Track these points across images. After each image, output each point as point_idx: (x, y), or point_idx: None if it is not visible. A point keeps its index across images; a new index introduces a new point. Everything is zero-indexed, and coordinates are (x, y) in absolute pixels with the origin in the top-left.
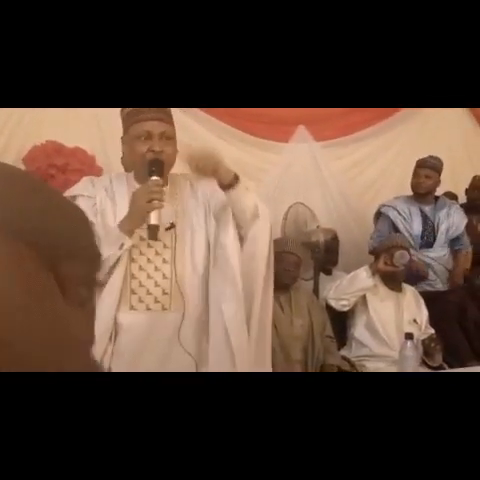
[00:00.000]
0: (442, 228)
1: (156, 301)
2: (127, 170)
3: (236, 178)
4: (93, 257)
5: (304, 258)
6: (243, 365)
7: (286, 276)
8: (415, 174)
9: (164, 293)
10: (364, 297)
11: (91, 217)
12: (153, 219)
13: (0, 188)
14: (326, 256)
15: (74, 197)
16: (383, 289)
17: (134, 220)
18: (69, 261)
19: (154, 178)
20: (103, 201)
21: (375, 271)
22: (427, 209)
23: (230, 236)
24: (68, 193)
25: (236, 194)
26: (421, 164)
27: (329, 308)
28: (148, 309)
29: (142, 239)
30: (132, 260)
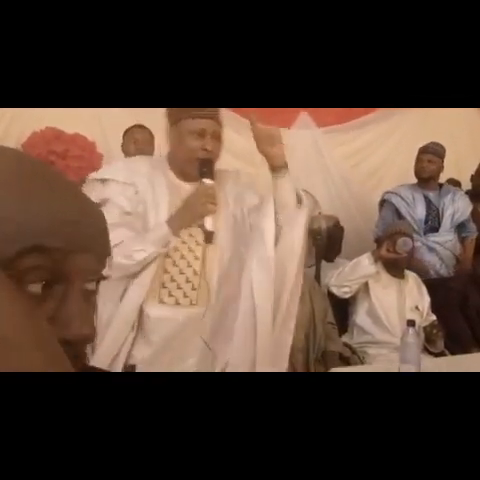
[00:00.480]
0: (447, 213)
1: (185, 296)
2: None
3: (286, 165)
4: (104, 254)
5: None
6: (264, 350)
7: None
8: (418, 160)
9: (193, 289)
10: (366, 284)
11: (129, 207)
12: (209, 225)
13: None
14: (329, 244)
15: (105, 180)
16: (385, 276)
17: (186, 221)
18: (82, 254)
19: (208, 181)
20: (146, 191)
21: (377, 258)
22: (431, 195)
23: (268, 221)
24: (97, 175)
25: (283, 180)
26: (423, 150)
27: (331, 295)
28: (177, 304)
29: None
30: (166, 255)
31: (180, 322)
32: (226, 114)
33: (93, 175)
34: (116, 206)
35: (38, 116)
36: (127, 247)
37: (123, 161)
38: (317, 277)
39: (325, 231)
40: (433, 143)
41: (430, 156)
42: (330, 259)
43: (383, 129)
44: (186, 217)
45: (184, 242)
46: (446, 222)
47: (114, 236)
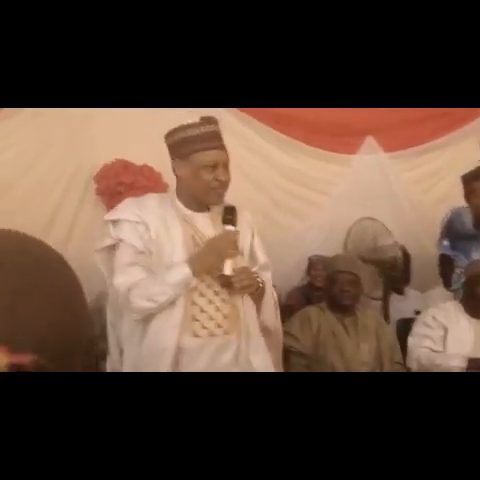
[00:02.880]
0: None
1: (218, 326)
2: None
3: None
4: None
5: (369, 276)
6: None
7: (344, 296)
8: (474, 191)
9: (225, 317)
10: (445, 329)
11: (142, 246)
12: (227, 270)
13: None
14: (399, 275)
15: (117, 221)
16: (463, 318)
17: (207, 264)
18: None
19: (230, 228)
20: (158, 230)
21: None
22: None
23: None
24: (109, 217)
25: None
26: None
27: (400, 331)
28: (212, 335)
29: None
30: (193, 288)
31: (216, 352)
32: (277, 136)
33: (106, 216)
34: (130, 246)
35: (109, 148)
36: (147, 289)
37: (133, 201)
38: (385, 310)
39: (401, 260)
40: None
41: None
42: (400, 290)
43: (453, 153)
44: (208, 260)
45: (209, 272)
46: None
47: (130, 276)
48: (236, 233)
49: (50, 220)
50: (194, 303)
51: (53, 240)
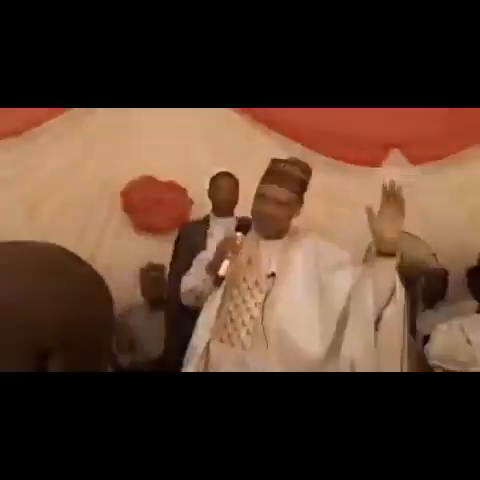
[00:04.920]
0: None
1: (239, 338)
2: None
3: (394, 254)
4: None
5: None
6: None
7: None
8: None
9: (248, 333)
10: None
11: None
12: (222, 270)
13: None
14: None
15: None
16: None
17: (213, 262)
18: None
19: (238, 234)
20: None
21: None
22: None
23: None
24: None
25: (386, 265)
26: None
27: (424, 340)
28: (231, 345)
29: (244, 281)
30: (231, 297)
31: (234, 363)
32: (301, 150)
33: None
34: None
35: (135, 165)
36: (186, 278)
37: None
38: (412, 326)
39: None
40: None
41: None
42: (430, 304)
43: None
44: (214, 261)
45: (249, 288)
46: None
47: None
48: (238, 238)
49: (79, 235)
50: (228, 312)
51: (81, 254)
